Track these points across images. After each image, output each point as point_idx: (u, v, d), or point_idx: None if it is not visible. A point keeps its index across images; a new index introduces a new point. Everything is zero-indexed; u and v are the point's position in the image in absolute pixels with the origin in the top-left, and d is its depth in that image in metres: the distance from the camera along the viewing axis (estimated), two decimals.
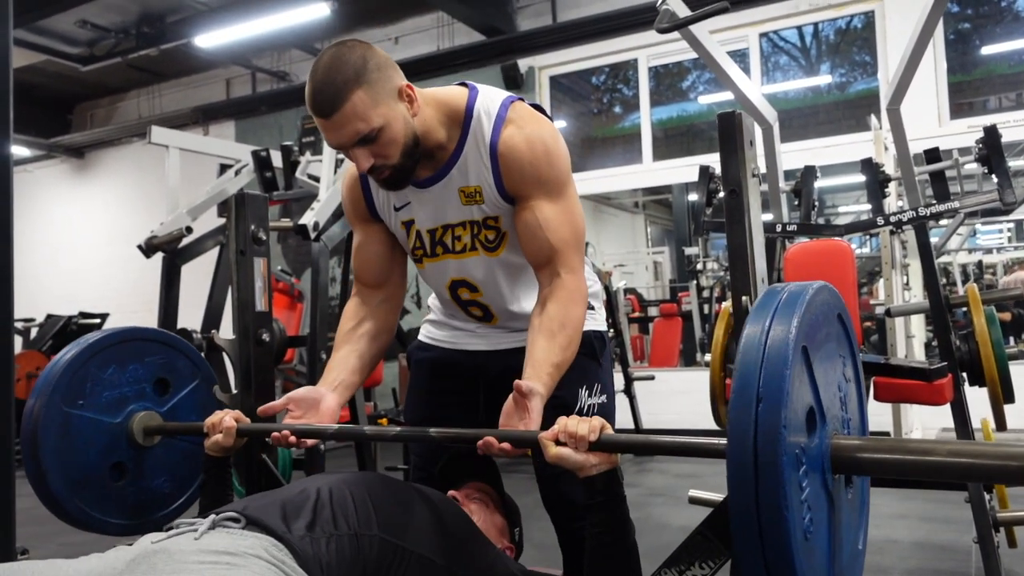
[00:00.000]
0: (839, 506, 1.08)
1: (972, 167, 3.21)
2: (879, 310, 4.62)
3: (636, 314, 9.55)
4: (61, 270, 10.64)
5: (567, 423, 1.29)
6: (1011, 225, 10.52)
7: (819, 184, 3.55)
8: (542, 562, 2.04)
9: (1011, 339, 7.89)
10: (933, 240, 2.91)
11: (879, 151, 5.07)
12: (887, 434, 5.01)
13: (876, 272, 7.45)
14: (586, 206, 1.85)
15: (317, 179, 3.80)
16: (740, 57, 7.09)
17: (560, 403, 1.52)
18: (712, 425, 2.70)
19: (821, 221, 4.41)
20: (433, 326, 1.89)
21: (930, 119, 6.21)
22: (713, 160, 2.04)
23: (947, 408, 2.61)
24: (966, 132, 5.78)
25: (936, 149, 3.05)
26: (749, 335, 1.01)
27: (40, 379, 1.82)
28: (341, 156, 3.69)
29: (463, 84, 1.65)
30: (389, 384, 6.52)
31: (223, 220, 4.16)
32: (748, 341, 1.00)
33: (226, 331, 2.67)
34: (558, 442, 1.28)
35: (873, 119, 5.44)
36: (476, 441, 1.34)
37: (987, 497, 2.59)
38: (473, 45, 7.71)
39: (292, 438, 1.53)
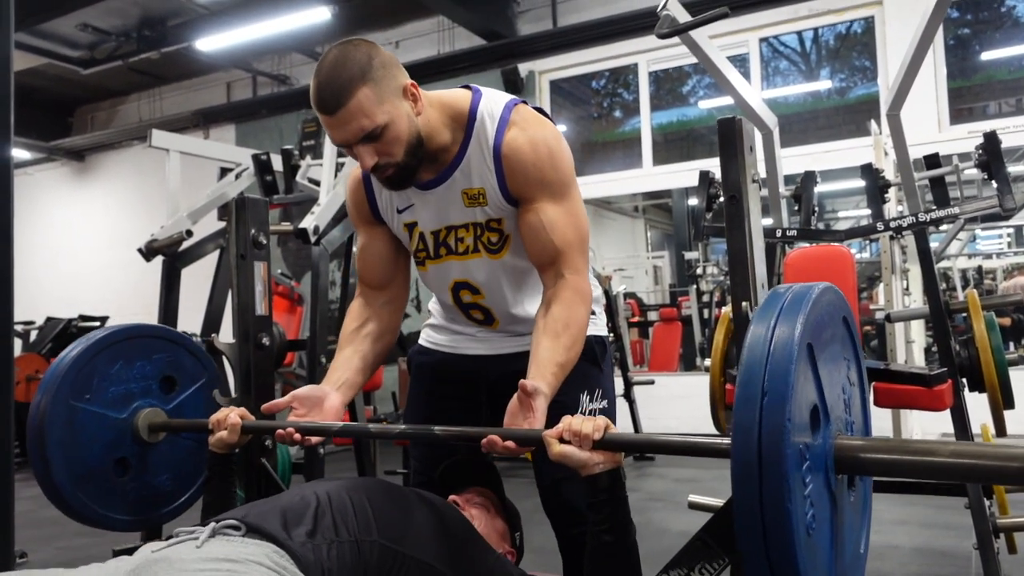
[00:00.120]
0: (841, 507, 1.08)
1: (972, 172, 3.22)
2: (879, 315, 4.62)
3: (636, 319, 9.55)
4: (61, 273, 10.64)
5: (571, 421, 1.29)
6: (1011, 230, 10.53)
7: (819, 189, 3.55)
8: (542, 567, 2.03)
9: (1011, 345, 7.89)
10: (933, 245, 2.91)
11: (879, 156, 5.07)
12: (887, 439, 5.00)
13: (876, 277, 7.46)
14: (586, 210, 1.85)
15: (317, 183, 3.79)
16: (740, 62, 7.10)
17: (561, 408, 1.52)
18: (712, 430, 2.70)
19: (821, 226, 4.41)
20: (433, 330, 1.89)
21: (930, 124, 6.22)
22: (713, 165, 2.04)
23: (947, 414, 2.61)
24: (966, 137, 5.79)
25: (936, 155, 3.06)
26: (754, 332, 1.01)
27: (48, 372, 1.83)
28: (342, 160, 3.70)
29: (466, 87, 1.65)
30: (389, 388, 6.52)
31: (223, 223, 4.16)
32: (753, 338, 1.00)
33: (226, 335, 2.67)
34: (562, 440, 1.28)
35: (873, 124, 5.44)
36: (480, 439, 1.35)
37: (987, 503, 2.59)
38: (473, 49, 7.72)
39: (297, 435, 1.53)
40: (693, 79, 7.99)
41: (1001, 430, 2.65)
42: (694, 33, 2.42)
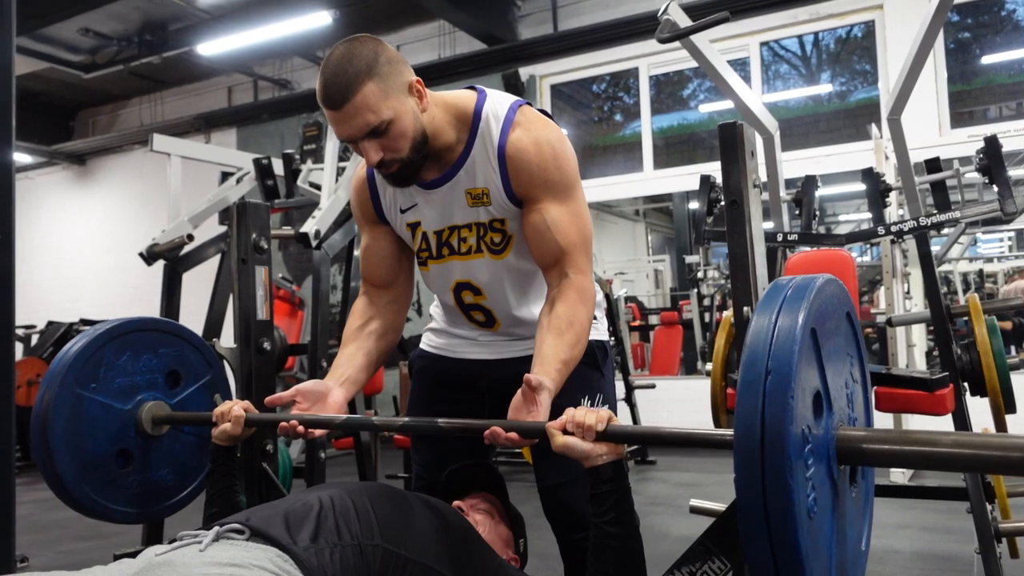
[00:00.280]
0: (843, 499, 1.08)
1: (973, 176, 3.22)
2: (880, 319, 4.62)
3: (637, 322, 9.55)
4: (62, 277, 10.65)
5: (575, 413, 1.30)
6: (1012, 234, 10.52)
7: (820, 193, 3.55)
8: (544, 572, 2.03)
9: (1012, 348, 7.88)
10: (934, 249, 2.91)
11: (880, 160, 5.07)
12: None
13: (877, 281, 7.45)
14: None
15: (318, 187, 3.80)
16: (741, 66, 7.11)
17: (562, 412, 1.52)
18: None
19: (822, 230, 4.42)
20: (435, 334, 1.90)
21: (931, 128, 6.22)
22: (714, 168, 2.04)
23: (949, 418, 2.61)
24: (967, 141, 5.80)
25: (937, 159, 3.06)
26: (758, 319, 1.01)
27: (56, 360, 1.83)
28: (343, 164, 3.70)
29: (472, 88, 1.67)
30: (390, 392, 6.51)
31: (224, 228, 4.16)
32: (757, 324, 1.01)
33: (227, 339, 2.67)
34: (565, 432, 1.29)
35: (874, 128, 5.44)
36: (483, 431, 1.35)
37: (989, 507, 2.59)
38: (474, 54, 7.73)
39: (300, 428, 1.54)
40: (694, 83, 7.99)
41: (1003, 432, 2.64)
42: (695, 37, 2.42)
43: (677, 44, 2.43)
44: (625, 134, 8.20)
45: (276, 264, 8.45)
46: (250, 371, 2.13)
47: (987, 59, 6.74)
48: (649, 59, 7.44)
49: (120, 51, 8.72)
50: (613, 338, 6.00)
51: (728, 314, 2.44)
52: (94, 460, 1.82)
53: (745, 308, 1.53)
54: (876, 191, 3.29)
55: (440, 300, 1.84)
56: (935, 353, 4.96)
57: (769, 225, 3.06)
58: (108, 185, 10.74)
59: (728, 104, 4.88)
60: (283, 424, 1.55)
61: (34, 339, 7.91)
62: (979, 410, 2.66)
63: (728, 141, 1.53)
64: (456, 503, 1.60)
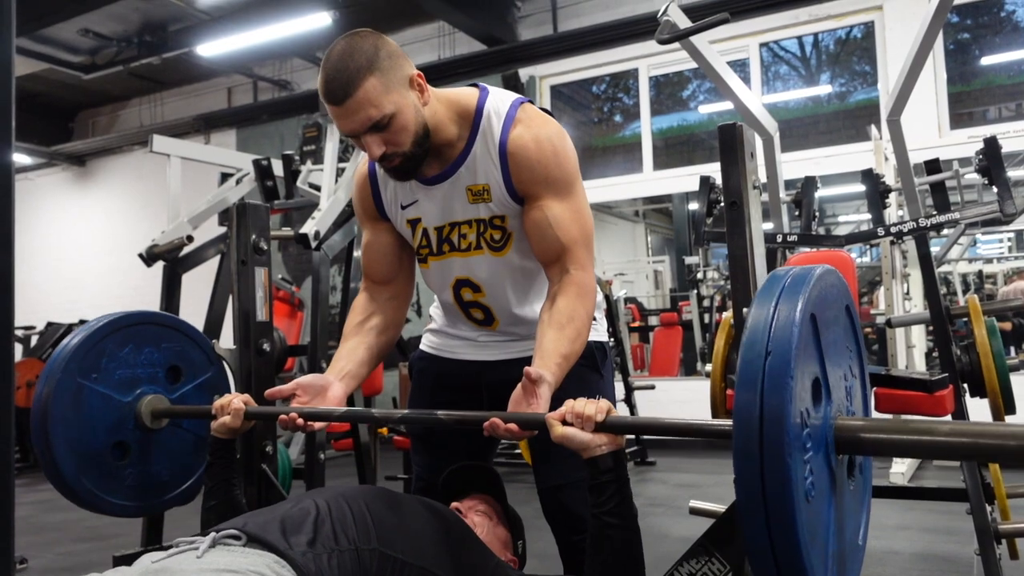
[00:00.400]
0: (841, 489, 1.08)
1: (972, 177, 3.22)
2: (880, 320, 4.62)
3: (636, 323, 9.55)
4: (62, 278, 10.65)
5: (574, 404, 1.30)
6: (1011, 235, 10.52)
7: (819, 194, 3.56)
8: (543, 573, 2.03)
9: (1012, 349, 7.88)
10: (934, 250, 2.92)
11: (879, 161, 5.08)
12: None
13: (877, 282, 7.46)
14: None
15: (318, 188, 3.79)
16: (740, 67, 7.11)
17: None
18: None
19: (822, 231, 4.42)
20: (434, 335, 1.90)
21: (930, 129, 6.22)
22: (713, 169, 2.04)
23: (948, 417, 2.61)
24: (966, 142, 5.80)
25: (936, 160, 3.06)
26: (758, 306, 1.02)
27: (59, 348, 1.84)
28: (342, 165, 3.70)
29: (474, 85, 1.68)
30: (390, 393, 6.51)
31: (224, 229, 4.16)
32: (757, 310, 1.01)
33: (226, 340, 2.67)
34: (565, 423, 1.29)
35: (873, 129, 5.45)
36: (482, 423, 1.35)
37: (989, 508, 2.58)
38: (474, 55, 7.73)
39: (299, 420, 1.54)
40: (693, 84, 7.99)
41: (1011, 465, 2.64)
42: (694, 38, 2.42)
43: (677, 45, 2.43)
44: (625, 135, 8.21)
45: (276, 265, 8.44)
46: (249, 372, 2.13)
47: (986, 60, 6.74)
48: (649, 60, 7.44)
49: (120, 52, 8.72)
50: (612, 339, 6.00)
51: (728, 315, 2.44)
52: (91, 450, 1.83)
53: (745, 309, 1.52)
54: (876, 192, 3.29)
55: (439, 299, 1.84)
56: (935, 354, 4.96)
57: (769, 226, 3.06)
58: (108, 186, 10.74)
59: (728, 105, 4.89)
60: (282, 417, 1.55)
61: (33, 340, 7.92)
62: (979, 411, 2.65)
63: (728, 142, 1.53)
64: (454, 504, 1.60)
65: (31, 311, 8.63)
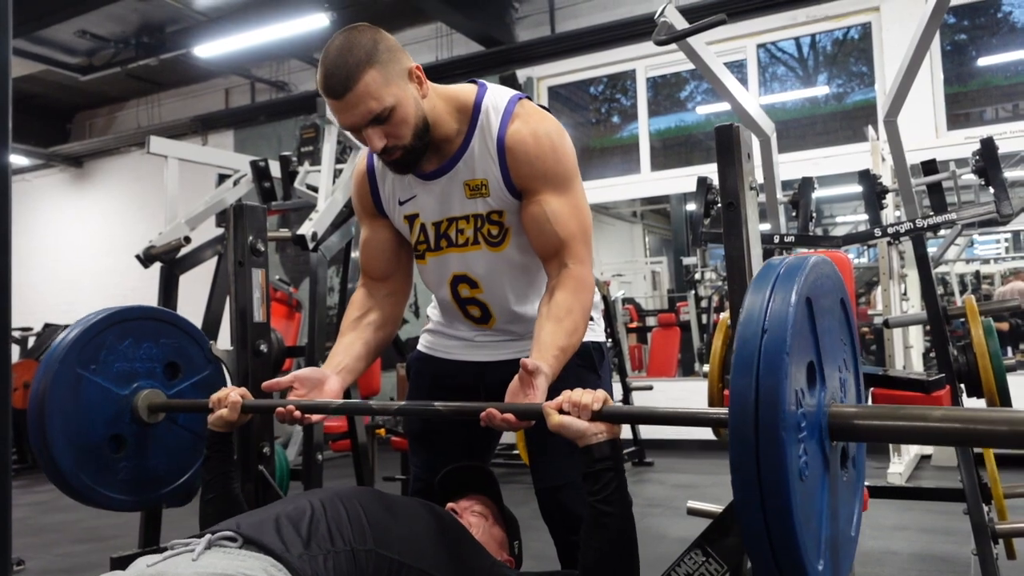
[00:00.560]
0: (835, 476, 1.09)
1: (969, 178, 3.22)
2: (877, 320, 4.63)
3: (634, 324, 9.55)
4: (59, 279, 10.63)
5: (571, 394, 1.31)
6: (1008, 236, 10.54)
7: (817, 194, 3.56)
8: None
9: (1009, 350, 7.88)
10: (931, 250, 2.92)
11: (876, 162, 5.08)
12: (885, 445, 5.01)
13: (874, 282, 7.46)
14: None
15: (316, 189, 3.79)
16: (737, 68, 7.11)
17: None
18: (710, 436, 2.70)
19: (819, 232, 4.42)
20: (432, 335, 1.90)
21: (927, 130, 6.23)
22: (711, 170, 2.05)
23: None
24: (963, 143, 5.79)
25: (933, 161, 3.06)
26: (754, 290, 1.03)
27: (58, 338, 1.85)
28: (340, 166, 3.70)
29: (473, 81, 1.69)
30: (387, 394, 6.51)
31: (221, 230, 4.15)
32: (753, 293, 1.02)
33: (224, 342, 2.67)
34: (561, 412, 1.30)
35: (870, 130, 5.45)
36: (479, 414, 1.36)
37: (986, 509, 2.59)
38: (472, 56, 7.74)
39: (297, 413, 1.54)
40: (691, 85, 8.00)
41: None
42: (692, 40, 2.43)
43: (674, 46, 2.43)
44: (622, 136, 8.21)
45: (273, 266, 8.44)
46: (247, 373, 2.12)
47: (983, 61, 6.75)
48: (646, 61, 7.44)
49: (117, 53, 8.71)
50: (610, 340, 6.00)
51: (725, 316, 2.44)
52: (87, 442, 1.83)
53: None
54: (873, 193, 3.29)
55: (436, 297, 1.84)
56: (932, 354, 4.97)
57: (766, 227, 3.06)
58: (105, 187, 10.72)
59: (725, 106, 4.89)
60: (280, 409, 1.56)
61: (31, 341, 7.90)
62: None
63: (725, 143, 1.53)
64: (450, 505, 1.60)
65: (28, 312, 8.61)
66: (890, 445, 4.99)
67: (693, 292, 8.79)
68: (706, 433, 2.70)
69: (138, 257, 3.88)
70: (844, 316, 1.20)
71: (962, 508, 2.63)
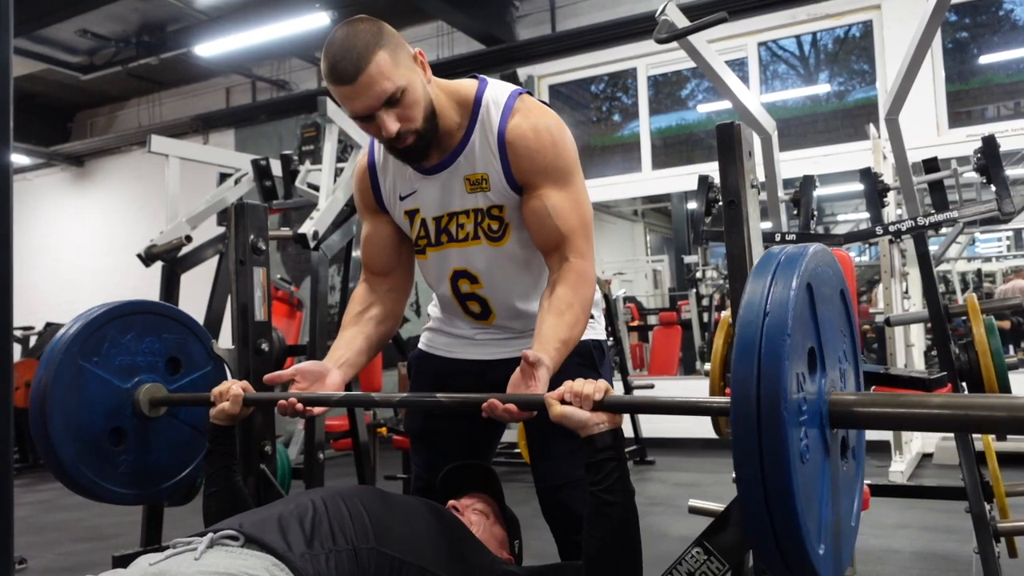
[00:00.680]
0: (835, 464, 1.09)
1: (971, 176, 3.22)
2: (878, 319, 4.62)
3: (635, 322, 9.55)
4: (60, 278, 10.63)
5: (572, 384, 1.31)
6: (1010, 233, 10.53)
7: (818, 192, 3.56)
8: None
9: (1010, 348, 7.88)
10: (932, 249, 2.92)
11: (878, 160, 5.08)
12: (886, 443, 5.01)
13: (875, 280, 7.46)
14: None
15: (317, 188, 3.79)
16: (739, 66, 7.11)
17: None
18: (712, 435, 2.70)
19: (820, 230, 4.42)
20: (432, 334, 1.90)
21: (928, 128, 6.22)
22: (712, 168, 2.04)
23: None
24: (965, 141, 5.80)
25: (935, 159, 3.06)
26: (755, 277, 1.03)
27: (62, 330, 1.85)
28: (341, 165, 3.69)
29: (473, 76, 1.69)
30: (389, 392, 6.50)
31: (223, 229, 4.15)
32: (754, 280, 1.02)
33: (225, 340, 2.67)
34: (563, 402, 1.30)
35: (872, 128, 5.45)
36: (481, 404, 1.36)
37: (987, 507, 2.59)
38: (472, 54, 7.73)
39: (299, 405, 1.54)
40: (692, 83, 7.99)
41: (1001, 435, 2.65)
42: (692, 38, 2.42)
43: (675, 44, 2.43)
44: (623, 134, 8.20)
45: (274, 265, 8.44)
46: (248, 372, 2.13)
47: (985, 59, 6.74)
48: (647, 59, 7.44)
49: (118, 52, 8.71)
50: (611, 338, 6.00)
51: (727, 314, 2.44)
52: (88, 433, 1.83)
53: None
54: (874, 191, 3.29)
55: (437, 293, 1.84)
56: (933, 353, 4.96)
57: (767, 225, 3.06)
58: (106, 186, 10.72)
59: (726, 104, 4.89)
60: (282, 402, 1.56)
61: (32, 340, 7.92)
62: None
63: (726, 141, 1.53)
64: (451, 503, 1.60)
65: (29, 312, 8.61)
66: (892, 443, 4.99)
67: (694, 290, 8.78)
68: (708, 432, 2.70)
69: (139, 256, 3.88)
70: (844, 308, 1.20)
71: (964, 506, 2.63)
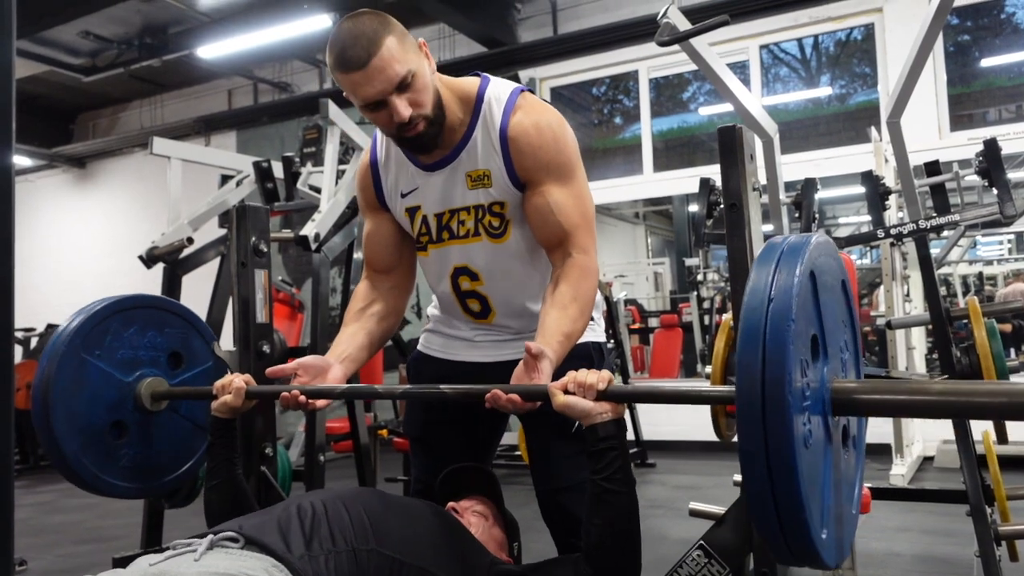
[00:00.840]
0: (837, 451, 1.10)
1: (972, 179, 3.22)
2: (880, 321, 4.62)
3: (636, 325, 9.55)
4: (62, 280, 10.64)
5: (575, 374, 1.32)
6: (1012, 237, 10.53)
7: (819, 195, 3.55)
8: None
9: (1012, 351, 7.87)
10: (934, 252, 2.91)
11: (879, 163, 5.08)
12: (887, 446, 5.01)
13: (877, 283, 7.45)
14: None
15: (318, 190, 3.79)
16: (740, 68, 7.11)
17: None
18: (713, 437, 2.69)
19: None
20: (432, 335, 1.90)
21: (930, 131, 6.22)
22: (714, 171, 2.04)
23: (949, 421, 2.61)
24: (966, 144, 5.79)
25: (936, 162, 3.06)
26: (759, 266, 1.03)
27: (65, 324, 1.85)
28: (343, 167, 3.70)
29: (475, 74, 1.69)
30: None
31: (224, 231, 4.16)
32: (758, 269, 1.03)
33: (226, 342, 2.67)
34: (567, 392, 1.30)
35: (873, 131, 5.45)
36: (484, 396, 1.36)
37: (988, 510, 2.58)
38: (474, 57, 7.74)
39: (301, 398, 1.55)
40: (693, 85, 8.00)
41: (1002, 437, 2.64)
42: (694, 40, 2.42)
43: (677, 47, 2.43)
44: (625, 137, 8.21)
45: (276, 267, 8.44)
46: (249, 374, 2.13)
47: (986, 62, 6.74)
48: (649, 62, 7.44)
49: (120, 54, 8.72)
50: (612, 341, 6.00)
51: (728, 317, 2.44)
52: (90, 426, 1.84)
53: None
54: (876, 194, 3.28)
55: (437, 292, 1.84)
56: (935, 356, 4.96)
57: (768, 228, 3.06)
58: (108, 188, 10.74)
59: (728, 107, 4.89)
60: (284, 395, 1.56)
61: (33, 342, 7.92)
62: None
63: (727, 144, 1.53)
64: (451, 504, 1.61)
65: (31, 313, 8.61)
66: (893, 446, 4.98)
67: (695, 293, 8.79)
68: (708, 434, 2.70)
69: (141, 258, 3.89)
70: (845, 298, 1.21)
71: (965, 510, 2.63)
